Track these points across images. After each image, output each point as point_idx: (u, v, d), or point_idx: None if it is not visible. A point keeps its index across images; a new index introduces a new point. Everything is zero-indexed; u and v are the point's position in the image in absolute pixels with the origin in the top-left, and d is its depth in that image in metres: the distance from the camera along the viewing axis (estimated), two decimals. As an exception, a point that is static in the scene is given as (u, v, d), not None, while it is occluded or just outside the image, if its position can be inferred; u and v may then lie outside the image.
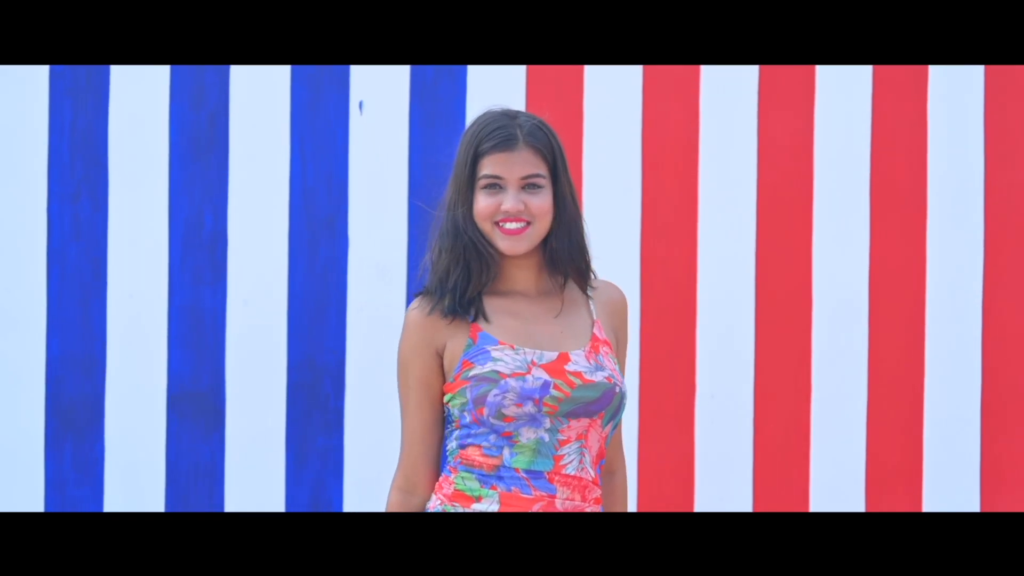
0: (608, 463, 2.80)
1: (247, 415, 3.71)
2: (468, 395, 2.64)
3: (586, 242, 2.72)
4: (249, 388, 3.71)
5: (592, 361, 2.68)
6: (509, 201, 2.65)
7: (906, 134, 3.73)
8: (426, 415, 2.68)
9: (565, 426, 2.65)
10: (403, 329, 2.69)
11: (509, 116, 2.69)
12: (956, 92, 3.73)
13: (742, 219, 3.74)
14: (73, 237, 3.71)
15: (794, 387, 3.74)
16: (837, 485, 3.73)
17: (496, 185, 2.67)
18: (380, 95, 3.72)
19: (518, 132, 2.66)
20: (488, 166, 2.66)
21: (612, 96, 3.73)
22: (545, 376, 2.63)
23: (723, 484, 3.73)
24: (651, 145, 3.74)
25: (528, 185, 2.67)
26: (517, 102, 3.68)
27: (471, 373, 2.64)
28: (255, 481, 3.70)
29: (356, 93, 3.72)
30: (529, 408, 2.62)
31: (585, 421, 2.66)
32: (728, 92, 3.73)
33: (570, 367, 2.65)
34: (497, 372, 2.63)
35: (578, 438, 2.65)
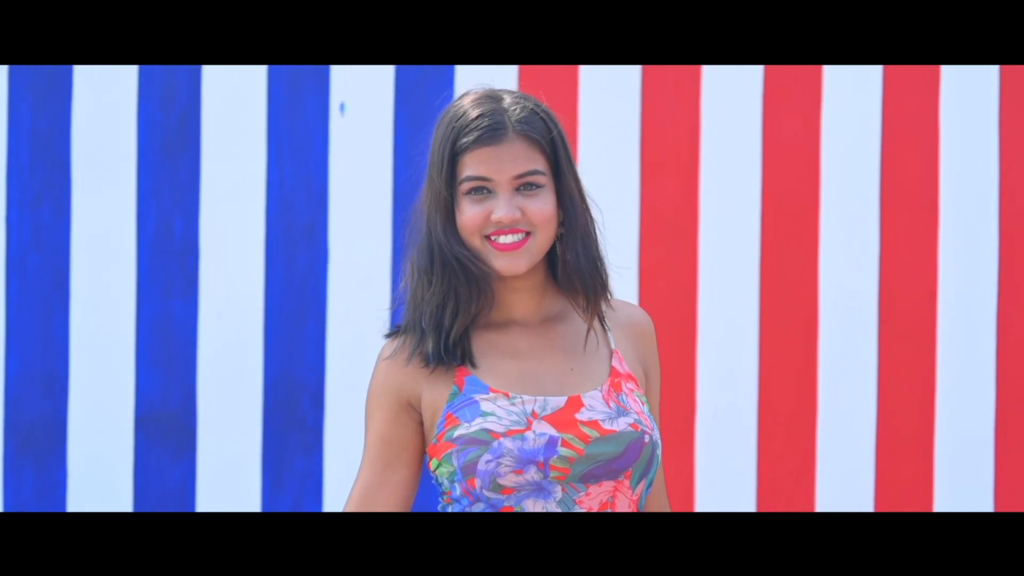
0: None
1: (220, 436, 3.67)
2: (455, 462, 2.18)
3: (603, 253, 2.26)
4: (222, 407, 3.67)
5: (612, 404, 2.21)
6: (501, 208, 2.19)
7: (918, 137, 3.71)
8: (372, 476, 2.22)
9: (582, 494, 2.18)
10: (371, 376, 2.26)
11: (493, 99, 2.23)
12: (969, 93, 3.70)
13: (746, 227, 3.71)
14: (33, 246, 3.67)
15: (800, 403, 3.70)
16: (845, 507, 3.70)
17: (483, 189, 2.20)
18: (363, 94, 3.67)
19: (506, 119, 2.21)
20: (471, 165, 2.20)
21: (609, 98, 3.69)
22: (550, 431, 2.17)
23: (725, 506, 3.69)
24: (650, 150, 3.71)
25: (524, 185, 2.21)
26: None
27: (456, 433, 2.18)
28: (229, 506, 3.65)
29: (337, 92, 3.68)
30: (532, 475, 2.16)
31: (609, 485, 2.19)
32: (731, 93, 3.70)
33: (583, 415, 2.19)
34: (488, 431, 2.17)
35: (601, 508, 2.19)
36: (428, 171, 2.24)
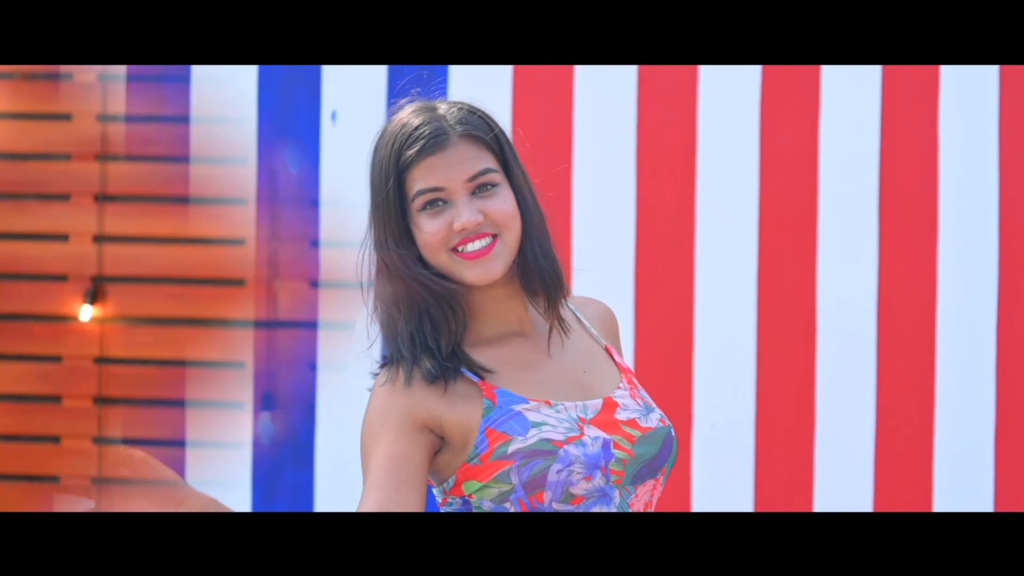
0: None
1: (211, 448, 3.66)
2: (515, 479, 2.06)
3: (554, 249, 2.18)
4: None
5: (639, 401, 2.16)
6: (462, 214, 2.09)
7: (917, 138, 3.71)
8: (384, 497, 2.05)
9: (633, 496, 2.12)
10: (367, 410, 2.14)
11: (427, 108, 2.18)
12: (969, 93, 3.69)
13: (743, 232, 3.69)
14: (20, 256, 3.69)
15: (798, 411, 3.68)
16: (847, 519, 3.65)
17: (437, 200, 2.10)
18: (354, 101, 3.67)
19: (445, 124, 2.13)
20: (420, 178, 2.10)
21: (605, 99, 3.69)
22: (602, 434, 2.09)
23: (725, 519, 3.64)
24: (646, 152, 3.70)
25: (479, 187, 2.12)
26: (503, 105, 3.63)
27: (511, 449, 2.07)
28: (219, 520, 3.59)
29: (328, 99, 3.67)
30: (598, 480, 2.07)
31: (650, 484, 2.14)
32: (728, 94, 3.70)
33: (620, 415, 2.13)
34: (549, 441, 2.06)
35: (645, 508, 2.14)
36: (372, 198, 2.15)
